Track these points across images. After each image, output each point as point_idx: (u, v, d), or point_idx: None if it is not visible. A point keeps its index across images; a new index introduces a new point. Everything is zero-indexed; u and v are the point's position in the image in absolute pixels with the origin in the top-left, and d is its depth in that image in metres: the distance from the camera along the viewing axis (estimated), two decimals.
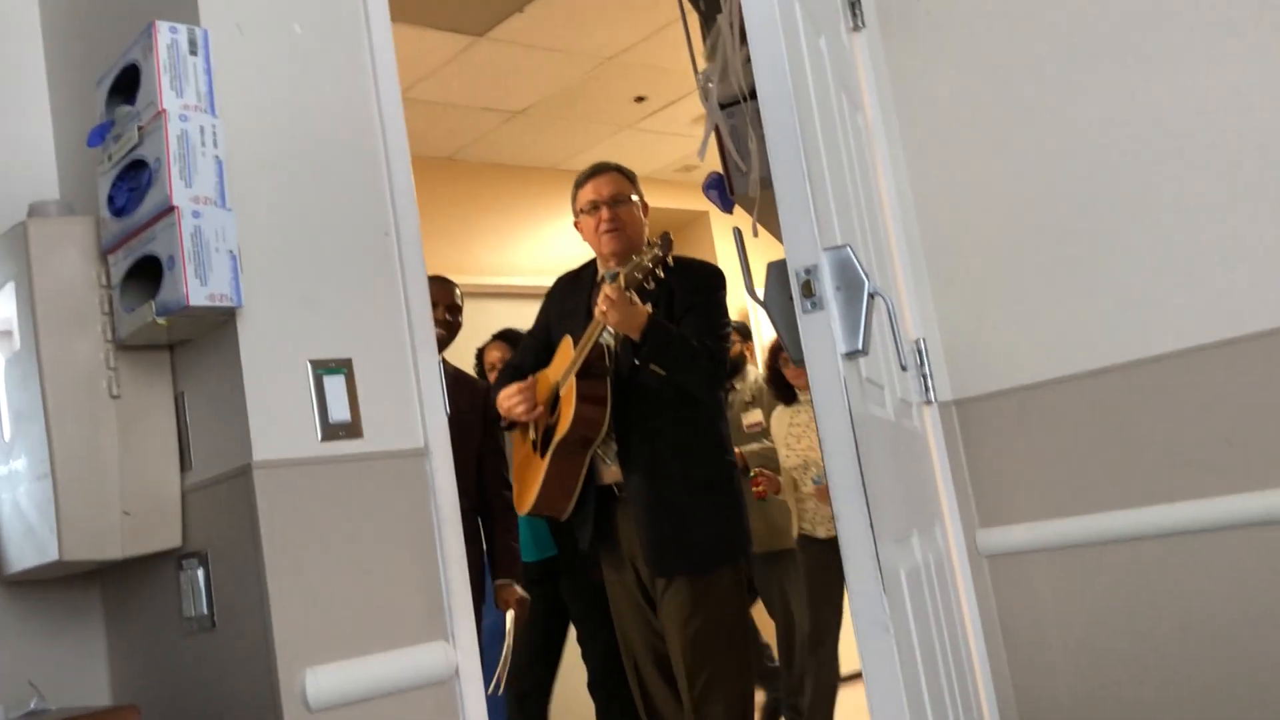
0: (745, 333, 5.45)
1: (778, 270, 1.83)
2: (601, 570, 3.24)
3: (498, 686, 3.57)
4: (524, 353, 3.36)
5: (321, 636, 1.82)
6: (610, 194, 3.18)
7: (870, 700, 1.67)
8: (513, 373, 3.25)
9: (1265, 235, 2.18)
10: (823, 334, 1.75)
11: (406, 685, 1.88)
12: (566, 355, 3.07)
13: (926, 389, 2.61)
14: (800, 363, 1.80)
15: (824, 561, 4.68)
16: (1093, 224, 2.40)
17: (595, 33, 5.22)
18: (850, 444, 1.72)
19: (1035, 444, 2.49)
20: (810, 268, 1.76)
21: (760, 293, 1.89)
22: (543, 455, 3.04)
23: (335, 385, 1.92)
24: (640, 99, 6.04)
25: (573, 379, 2.95)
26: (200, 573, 1.95)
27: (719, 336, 3.02)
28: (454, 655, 1.94)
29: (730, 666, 2.99)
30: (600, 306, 2.83)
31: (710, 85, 2.40)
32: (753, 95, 2.41)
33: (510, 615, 3.62)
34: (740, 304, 7.26)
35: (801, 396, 4.81)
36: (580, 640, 4.13)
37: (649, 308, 2.91)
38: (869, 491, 1.71)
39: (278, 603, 1.78)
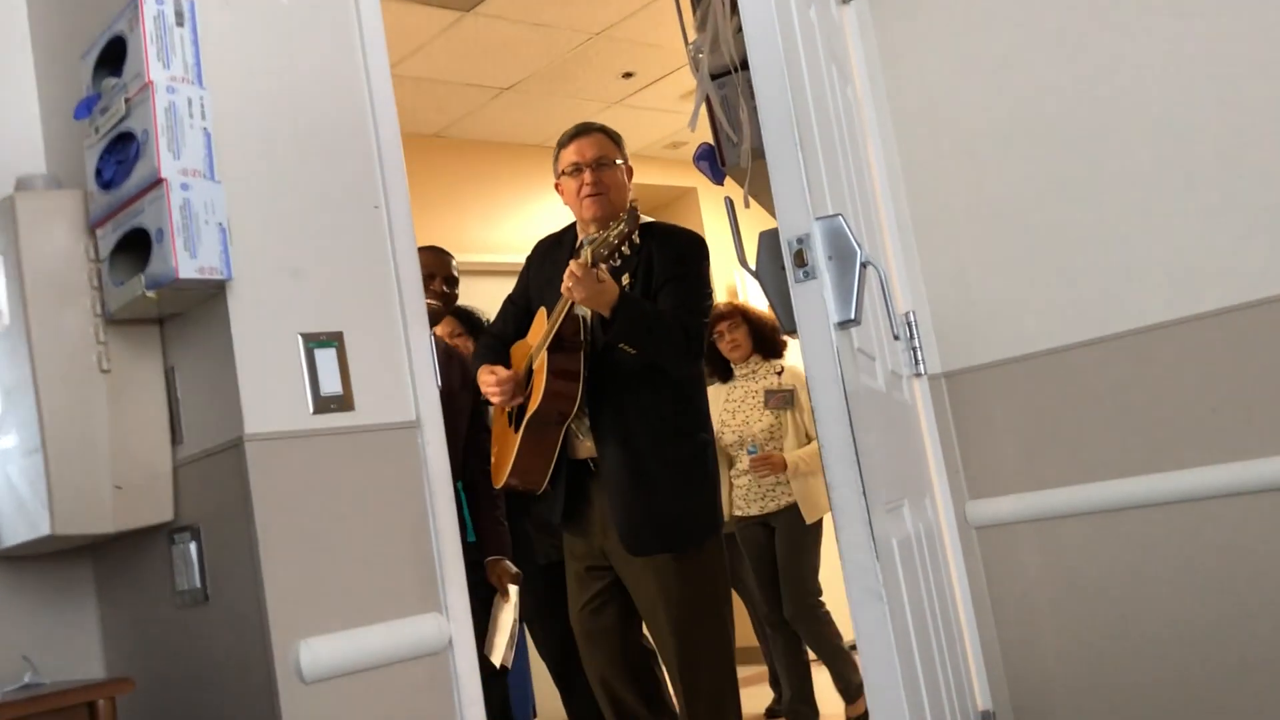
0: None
1: (770, 240, 1.82)
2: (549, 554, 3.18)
3: (504, 666, 3.53)
4: (504, 320, 3.24)
5: (315, 609, 1.82)
6: (594, 156, 3.05)
7: (864, 666, 1.69)
8: (492, 342, 3.16)
9: (1245, 209, 2.19)
10: (815, 304, 1.76)
11: (400, 657, 1.88)
12: (541, 326, 2.98)
13: (916, 361, 2.61)
14: (793, 332, 1.80)
15: (758, 538, 4.70)
16: (1080, 197, 2.40)
17: (583, 8, 5.20)
18: (844, 413, 1.72)
19: (1023, 416, 2.50)
20: (802, 237, 1.76)
21: (752, 263, 1.89)
22: (516, 429, 2.96)
23: (326, 358, 1.92)
24: (628, 75, 6.02)
25: (544, 353, 2.87)
26: (193, 546, 1.95)
27: (698, 310, 2.93)
28: (447, 627, 1.95)
29: (718, 641, 2.96)
30: (566, 283, 2.71)
31: (701, 56, 2.39)
32: (744, 66, 2.40)
33: (514, 590, 3.58)
34: (730, 281, 7.26)
35: (737, 371, 4.78)
36: (533, 635, 4.08)
37: (625, 279, 2.83)
38: (862, 461, 1.72)
39: (270, 575, 1.78)
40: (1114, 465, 2.37)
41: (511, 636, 3.51)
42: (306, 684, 1.77)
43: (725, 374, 4.84)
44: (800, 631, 4.70)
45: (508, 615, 3.53)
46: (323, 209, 2.00)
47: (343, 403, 1.92)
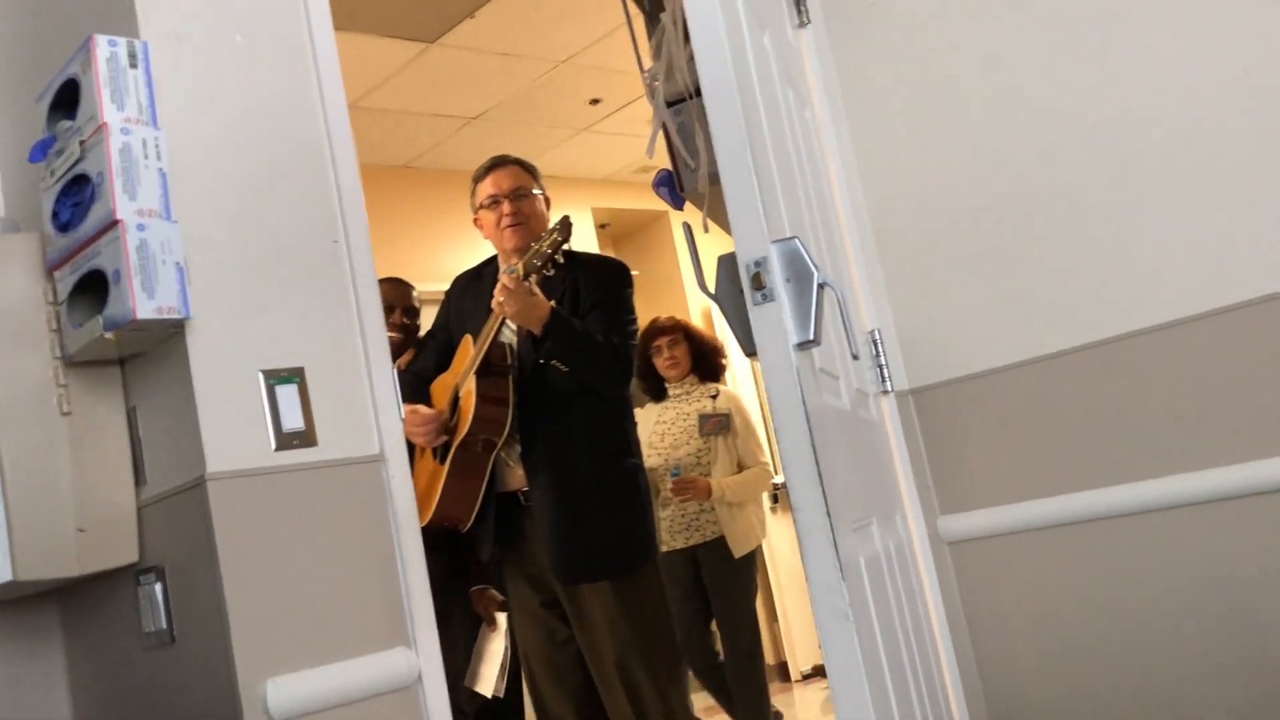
0: None
1: (728, 263, 1.83)
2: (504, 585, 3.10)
3: (495, 694, 3.48)
4: (424, 355, 3.21)
5: (282, 646, 1.80)
6: (511, 187, 3.05)
7: (832, 686, 1.68)
8: (412, 380, 3.10)
9: (1207, 220, 2.21)
10: (774, 326, 1.76)
11: (369, 692, 1.87)
12: (466, 354, 2.94)
13: (883, 379, 2.63)
14: (753, 355, 1.81)
15: (683, 573, 4.36)
16: (1041, 212, 2.43)
17: (548, 36, 5.22)
18: (805, 434, 1.72)
19: (992, 430, 2.51)
20: (759, 260, 1.77)
21: (711, 287, 1.90)
22: (442, 461, 2.90)
23: (288, 394, 1.91)
24: (595, 101, 6.05)
25: (472, 378, 2.82)
26: (158, 587, 1.93)
27: (625, 333, 2.92)
28: (416, 661, 1.94)
29: (663, 668, 2.89)
30: (497, 297, 2.68)
31: (656, 84, 2.40)
32: (698, 92, 2.42)
33: (501, 618, 3.54)
34: (704, 306, 7.28)
35: (671, 391, 4.54)
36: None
37: (551, 302, 2.80)
38: (825, 481, 1.72)
39: (236, 614, 1.77)
40: (1084, 476, 2.38)
41: (503, 666, 3.47)
42: None
43: (658, 394, 4.60)
44: (734, 691, 4.36)
45: (496, 644, 3.50)
46: (281, 245, 1.99)
47: (305, 438, 1.91)
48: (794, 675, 6.57)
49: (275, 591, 1.83)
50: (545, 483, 2.84)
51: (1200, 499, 2.22)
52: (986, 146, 2.51)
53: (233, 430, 1.84)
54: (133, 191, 1.83)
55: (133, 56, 1.90)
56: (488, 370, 2.83)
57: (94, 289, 1.88)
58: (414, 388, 3.05)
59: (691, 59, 2.00)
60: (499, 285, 2.69)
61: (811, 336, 1.75)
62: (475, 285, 3.12)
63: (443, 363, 3.09)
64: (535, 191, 3.10)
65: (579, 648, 2.92)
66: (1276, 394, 2.13)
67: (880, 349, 2.63)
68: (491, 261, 3.16)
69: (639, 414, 4.20)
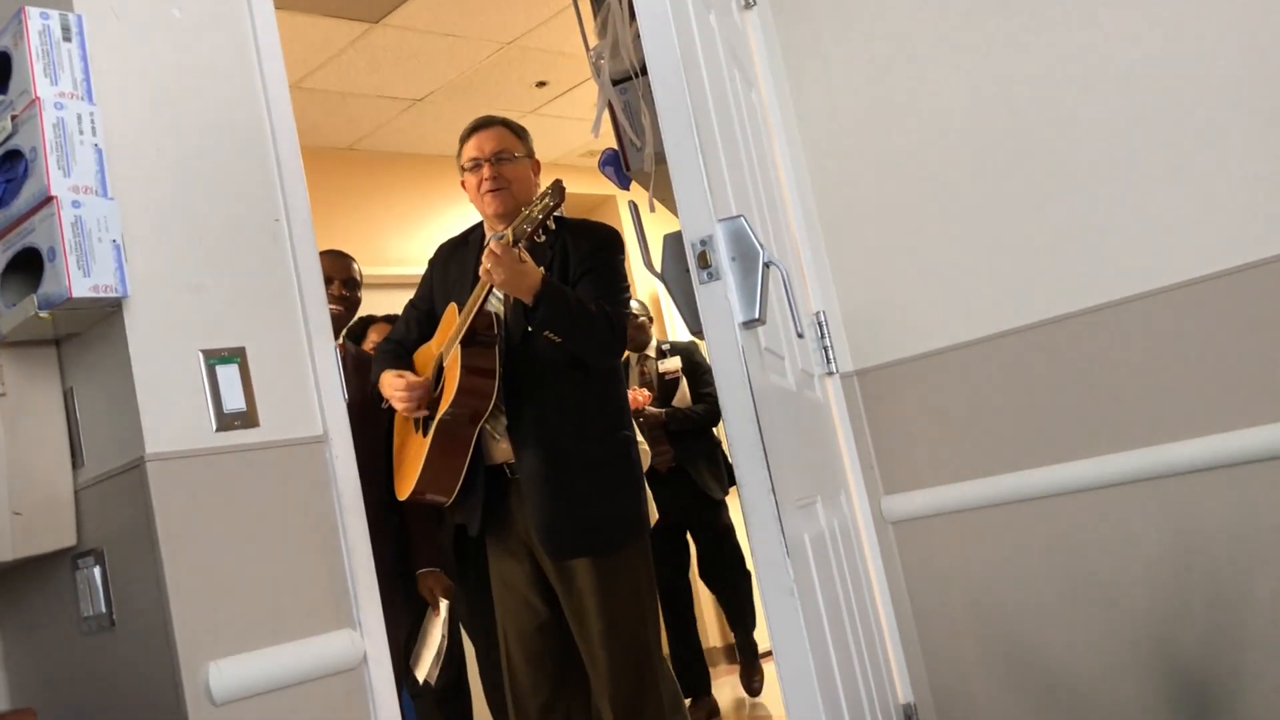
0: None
1: (673, 242, 1.84)
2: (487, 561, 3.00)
3: (426, 680, 3.44)
4: (405, 325, 3.08)
5: (224, 629, 1.79)
6: (493, 149, 2.92)
7: (778, 661, 1.70)
8: (394, 348, 3.00)
9: (1144, 203, 2.24)
10: (720, 304, 1.77)
11: (314, 674, 1.85)
12: (451, 323, 2.84)
13: (828, 360, 2.64)
14: (699, 333, 1.81)
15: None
16: (982, 192, 2.45)
17: (493, 17, 5.18)
18: (750, 412, 1.73)
19: (934, 410, 2.54)
20: (705, 239, 1.78)
21: (658, 266, 1.90)
22: (425, 434, 2.80)
23: (229, 375, 1.89)
24: (542, 84, 6.01)
25: (457, 347, 2.72)
26: (97, 571, 1.90)
27: (618, 302, 2.83)
28: (361, 643, 1.92)
29: (648, 647, 2.86)
30: (485, 264, 2.57)
31: (602, 62, 2.39)
32: (644, 71, 2.42)
33: (444, 604, 3.48)
34: (652, 289, 7.27)
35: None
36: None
37: (542, 269, 2.70)
38: (770, 459, 1.73)
39: (177, 597, 1.75)
40: (1025, 456, 2.41)
41: (438, 654, 3.41)
42: (217, 706, 1.74)
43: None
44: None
45: (436, 630, 3.46)
46: (221, 223, 1.97)
47: (247, 419, 1.89)
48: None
49: (217, 574, 1.80)
50: (533, 457, 2.76)
51: (1143, 476, 2.25)
52: (930, 130, 2.53)
53: (172, 411, 1.82)
54: (67, 168, 1.79)
55: (66, 30, 1.86)
56: (473, 340, 2.73)
57: (28, 267, 1.84)
58: (396, 354, 2.96)
59: (637, 37, 2.00)
60: (487, 252, 2.57)
61: (757, 315, 1.76)
62: (460, 252, 3.00)
63: (424, 333, 2.99)
64: (520, 155, 2.97)
65: (560, 630, 2.88)
66: (1214, 373, 2.17)
67: (825, 330, 2.65)
68: (477, 228, 3.05)
69: None
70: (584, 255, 2.83)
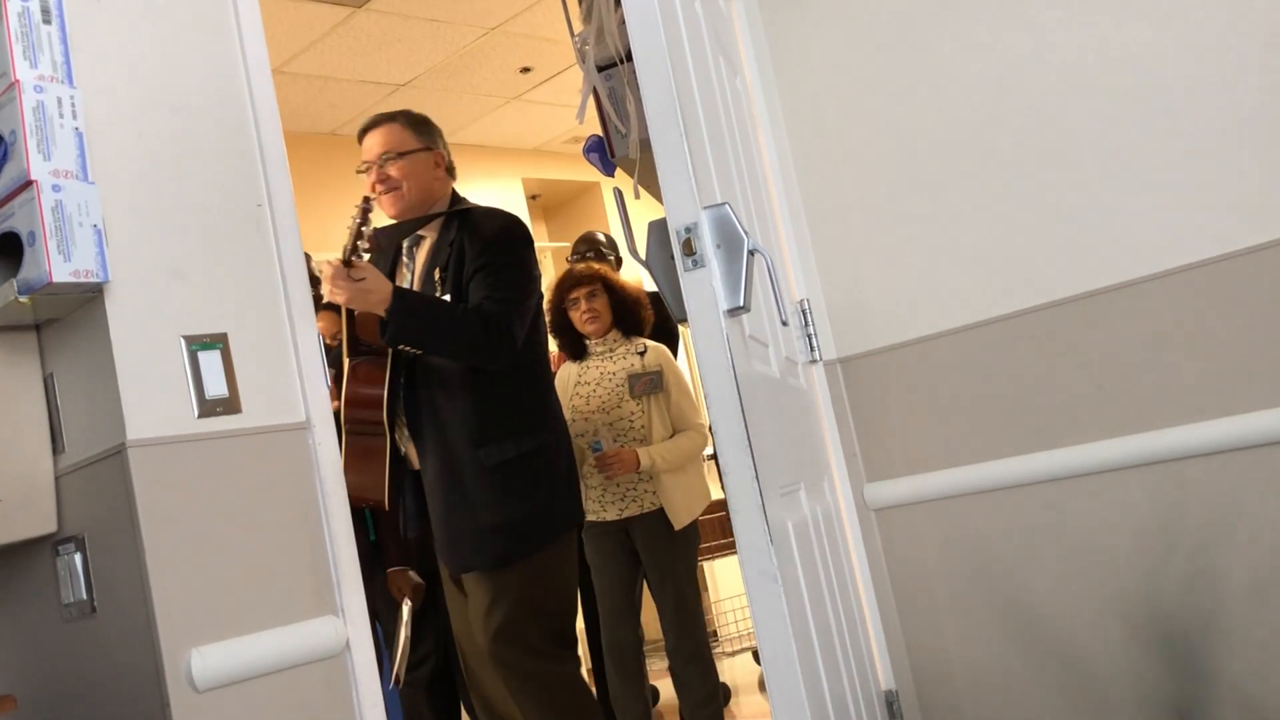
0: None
1: (658, 229, 1.83)
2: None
3: (397, 681, 3.40)
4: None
5: (206, 616, 1.78)
6: (380, 150, 2.82)
7: (761, 647, 1.70)
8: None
9: (1126, 194, 2.25)
10: (704, 291, 1.77)
11: (296, 661, 1.85)
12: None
13: (811, 348, 2.65)
14: (683, 321, 1.81)
15: (614, 548, 3.87)
16: (964, 183, 2.46)
17: (477, 2, 5.16)
18: (735, 399, 1.73)
19: (917, 399, 2.55)
20: (690, 226, 1.78)
21: (642, 253, 1.90)
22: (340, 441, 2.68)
23: (211, 360, 1.88)
24: (526, 70, 6.00)
25: (346, 360, 2.66)
26: (78, 557, 1.89)
27: (507, 299, 2.64)
28: (344, 629, 1.92)
29: (537, 659, 2.67)
30: (324, 288, 2.48)
31: (587, 48, 2.38)
32: (629, 57, 2.41)
33: (406, 605, 3.43)
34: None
35: (593, 349, 4.00)
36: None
37: (436, 273, 2.61)
38: (754, 446, 1.73)
39: (159, 584, 1.74)
40: (1006, 444, 2.43)
41: (403, 653, 3.35)
42: (199, 692, 1.73)
43: (578, 352, 4.05)
44: (682, 680, 3.85)
45: (402, 630, 3.39)
46: (203, 208, 1.95)
47: (229, 405, 1.88)
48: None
49: (199, 560, 1.80)
50: (431, 465, 2.69)
51: (1122, 464, 2.27)
52: (914, 119, 2.53)
53: (154, 397, 1.81)
54: (47, 151, 1.78)
55: (46, 11, 1.84)
56: (357, 351, 2.68)
57: (8, 251, 1.83)
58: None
59: (622, 23, 1.99)
60: (324, 275, 2.49)
61: (741, 303, 1.76)
62: (378, 256, 2.88)
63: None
64: (412, 149, 2.84)
65: None
66: (1193, 362, 2.18)
67: (809, 318, 2.65)
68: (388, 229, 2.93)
69: (559, 374, 3.97)
70: (476, 253, 2.70)
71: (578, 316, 3.97)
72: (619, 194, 1.98)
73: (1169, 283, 2.20)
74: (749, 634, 5.93)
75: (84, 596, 1.89)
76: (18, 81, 1.78)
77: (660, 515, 3.81)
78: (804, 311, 2.66)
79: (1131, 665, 2.26)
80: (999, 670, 2.45)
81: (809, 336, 2.65)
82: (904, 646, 2.59)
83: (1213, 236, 2.15)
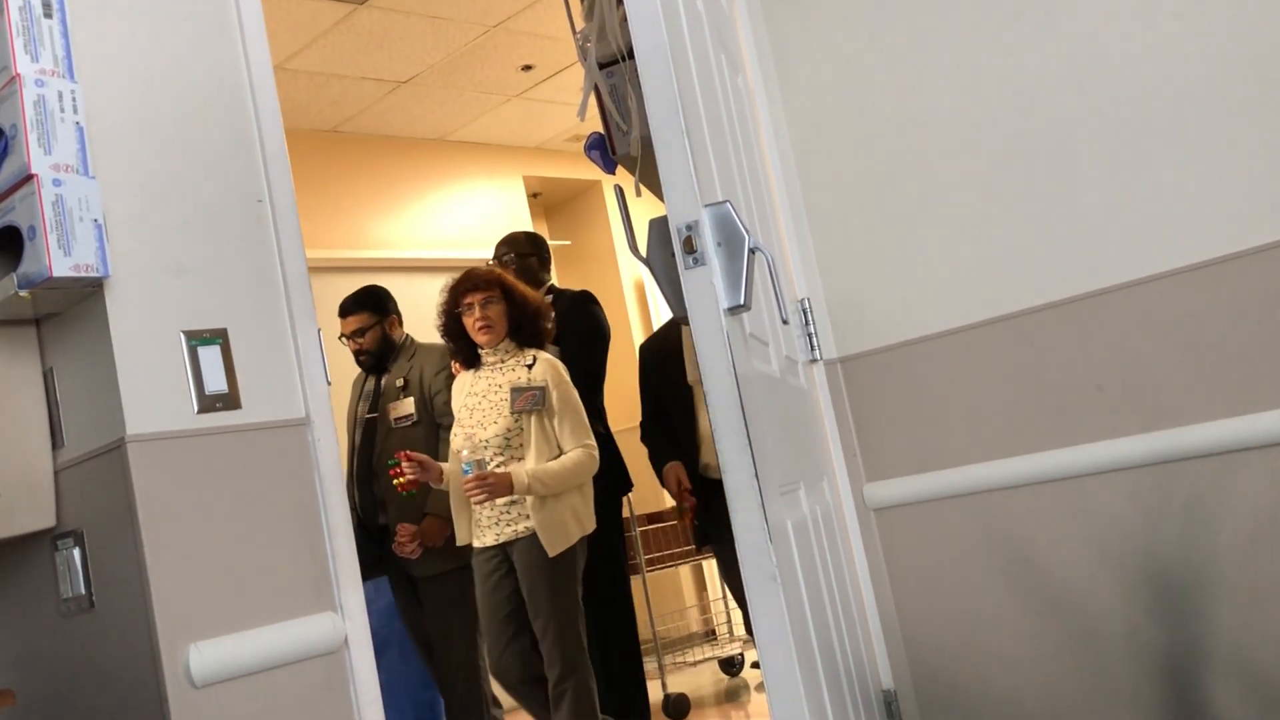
0: (378, 305, 4.25)
1: (659, 227, 1.83)
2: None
3: None
4: None
5: (204, 611, 1.78)
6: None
7: (760, 647, 1.70)
8: None
9: (1126, 195, 2.25)
10: (705, 289, 1.76)
11: (294, 657, 1.85)
12: None
13: (812, 348, 2.64)
14: (684, 319, 1.80)
15: (493, 573, 3.57)
16: (966, 183, 2.45)
17: (480, 0, 5.16)
18: (735, 398, 1.73)
19: (918, 398, 2.55)
20: (691, 224, 1.77)
21: (643, 250, 1.89)
22: None
23: (210, 356, 1.88)
24: (528, 67, 5.99)
25: None
26: (76, 552, 1.89)
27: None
28: (343, 625, 1.92)
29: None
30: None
31: (588, 45, 2.38)
32: (631, 54, 2.40)
33: None
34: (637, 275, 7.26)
35: (486, 358, 3.70)
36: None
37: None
38: (754, 445, 1.73)
39: (157, 578, 1.74)
40: (1006, 444, 2.42)
41: None
42: (197, 688, 1.73)
43: (471, 360, 3.76)
44: (563, 693, 3.53)
45: None
46: (204, 204, 1.95)
47: (229, 401, 1.88)
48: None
49: (197, 556, 1.80)
50: None
51: (1120, 465, 2.27)
52: (915, 121, 2.53)
53: (153, 392, 1.81)
54: (48, 145, 1.78)
55: (47, 6, 1.84)
56: None
57: (8, 246, 1.83)
58: None
59: (624, 21, 1.99)
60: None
61: (742, 301, 1.75)
62: None
63: None
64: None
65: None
66: (1192, 365, 2.18)
67: (809, 317, 2.65)
68: None
69: (455, 385, 3.80)
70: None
71: (470, 324, 3.68)
72: (620, 191, 1.98)
73: (1171, 284, 2.19)
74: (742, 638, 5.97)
75: (82, 591, 1.89)
76: (19, 75, 1.78)
77: (535, 539, 3.51)
78: (804, 310, 2.66)
79: (1133, 669, 2.26)
80: (999, 670, 2.45)
81: (809, 335, 2.65)
82: (903, 646, 2.59)
83: (1212, 238, 2.15)
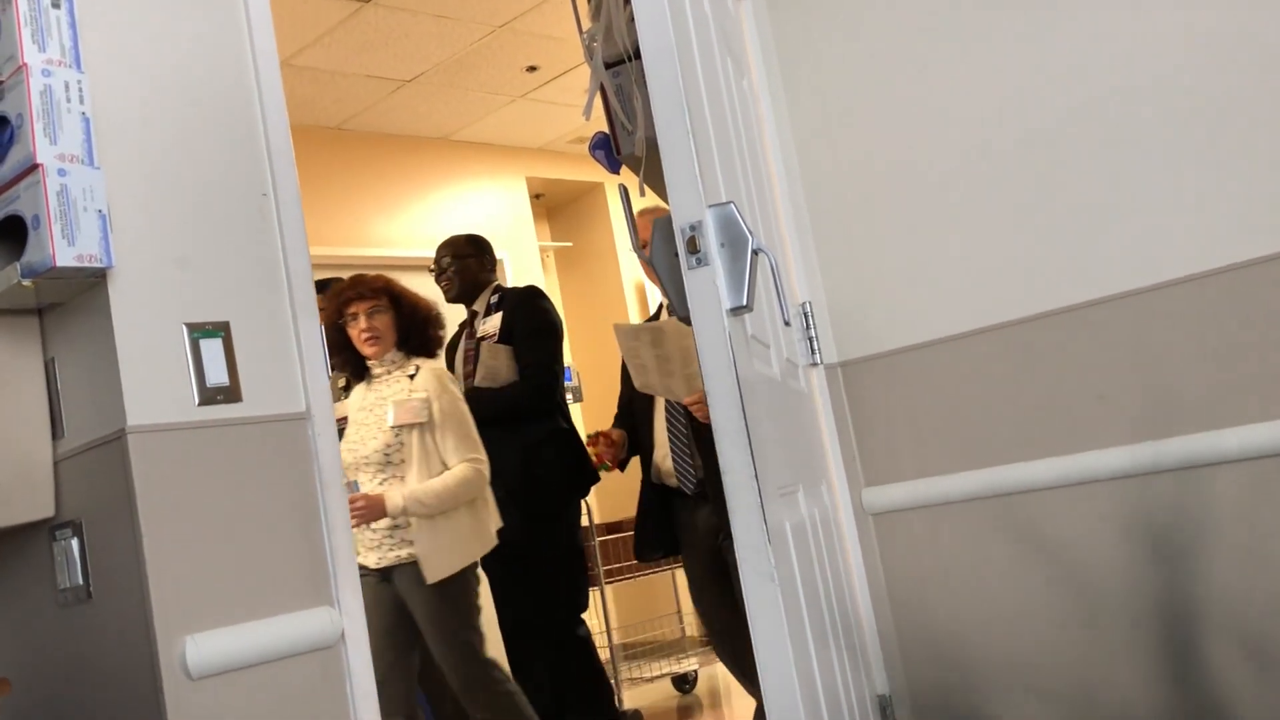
0: None
1: (663, 227, 1.83)
2: None
3: None
4: None
5: (202, 604, 1.78)
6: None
7: (756, 648, 1.70)
8: None
9: (1127, 204, 2.25)
10: (708, 290, 1.77)
11: (291, 651, 1.85)
12: None
13: (813, 351, 2.65)
14: (687, 320, 1.81)
15: (381, 599, 3.32)
16: (970, 188, 2.46)
17: (486, 0, 5.16)
18: (736, 399, 1.73)
19: (916, 404, 2.55)
20: (695, 224, 1.77)
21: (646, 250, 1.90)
22: None
23: (212, 349, 1.88)
24: (532, 68, 6.00)
25: None
26: (74, 543, 1.89)
27: None
28: (339, 620, 1.92)
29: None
30: None
31: (595, 44, 2.38)
32: (637, 55, 2.40)
33: None
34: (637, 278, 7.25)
35: (374, 370, 3.55)
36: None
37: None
38: (754, 446, 1.73)
39: (155, 570, 1.74)
40: (1004, 451, 2.42)
41: None
42: (193, 680, 1.73)
43: (360, 372, 3.61)
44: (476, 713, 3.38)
45: None
46: (208, 196, 1.95)
47: (230, 394, 1.88)
48: None
49: (196, 548, 1.80)
50: None
51: (1120, 474, 2.27)
52: (919, 126, 2.53)
53: (154, 384, 1.81)
54: (54, 135, 1.78)
55: None
56: None
57: (12, 235, 1.83)
58: None
59: (631, 21, 1.99)
60: None
61: (744, 302, 1.75)
62: None
63: None
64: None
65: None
66: (1195, 373, 2.18)
67: (811, 321, 2.65)
68: None
69: (351, 396, 3.63)
70: None
71: (356, 335, 3.50)
72: (624, 191, 1.98)
73: (1173, 293, 2.20)
74: None
75: (80, 582, 1.88)
76: (26, 65, 1.78)
77: (415, 566, 3.32)
78: (806, 314, 2.66)
79: (1132, 676, 2.26)
80: (994, 675, 2.45)
81: (810, 339, 2.65)
82: (899, 651, 2.59)
83: (1216, 248, 2.15)
